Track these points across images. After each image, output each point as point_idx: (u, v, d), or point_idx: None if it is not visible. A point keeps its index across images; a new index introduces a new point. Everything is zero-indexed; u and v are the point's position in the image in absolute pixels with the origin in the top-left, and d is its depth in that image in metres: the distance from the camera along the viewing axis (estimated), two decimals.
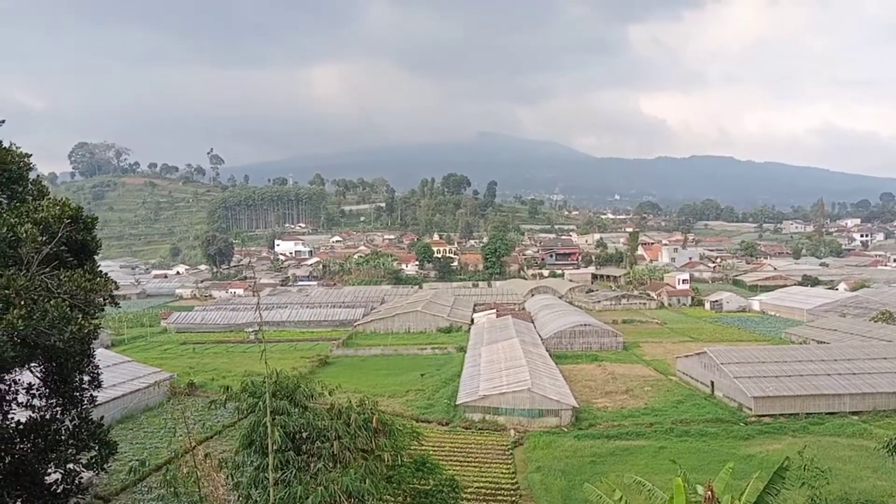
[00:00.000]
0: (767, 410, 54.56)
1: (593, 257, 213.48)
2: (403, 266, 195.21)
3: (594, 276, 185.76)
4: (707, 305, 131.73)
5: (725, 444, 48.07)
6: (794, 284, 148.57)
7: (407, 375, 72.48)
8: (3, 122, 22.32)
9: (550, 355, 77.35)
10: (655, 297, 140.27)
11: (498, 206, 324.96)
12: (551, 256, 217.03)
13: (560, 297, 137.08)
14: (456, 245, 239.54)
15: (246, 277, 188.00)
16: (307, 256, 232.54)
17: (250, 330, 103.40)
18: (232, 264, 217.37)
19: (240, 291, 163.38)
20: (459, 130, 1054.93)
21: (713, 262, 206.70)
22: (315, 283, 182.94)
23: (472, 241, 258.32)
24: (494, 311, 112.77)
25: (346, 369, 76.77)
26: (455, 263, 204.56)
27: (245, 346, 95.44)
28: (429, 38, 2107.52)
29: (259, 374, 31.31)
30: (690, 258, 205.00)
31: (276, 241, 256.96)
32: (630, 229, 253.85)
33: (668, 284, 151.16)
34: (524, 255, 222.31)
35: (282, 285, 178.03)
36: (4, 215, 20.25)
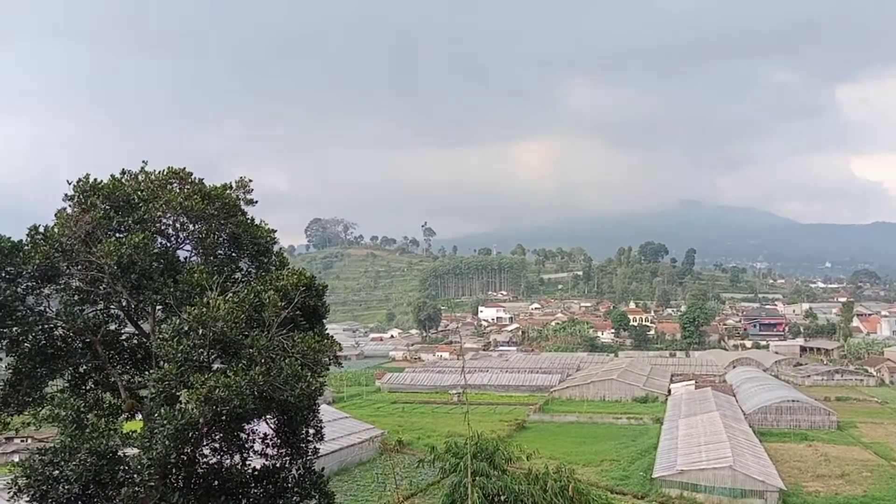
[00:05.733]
0: None
1: (801, 328, 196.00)
2: (599, 334, 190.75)
3: (802, 349, 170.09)
4: None
5: None
6: None
7: (602, 444, 70.03)
8: (257, 202, 24.77)
9: (753, 432, 71.45)
10: (874, 374, 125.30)
11: (697, 274, 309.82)
12: (754, 326, 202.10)
13: (764, 370, 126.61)
14: (652, 313, 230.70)
15: (452, 342, 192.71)
16: (507, 323, 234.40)
17: (454, 392, 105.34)
18: (439, 329, 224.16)
19: (445, 355, 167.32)
20: (657, 200, 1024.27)
21: None
22: (514, 348, 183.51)
23: (669, 310, 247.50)
24: (693, 382, 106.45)
25: (541, 435, 75.66)
26: (651, 332, 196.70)
27: (448, 407, 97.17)
28: (629, 113, 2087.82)
29: (461, 436, 31.84)
30: None
31: (480, 308, 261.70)
32: (843, 299, 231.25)
33: (889, 360, 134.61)
34: (725, 324, 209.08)
35: (483, 350, 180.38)
36: (252, 283, 22.56)
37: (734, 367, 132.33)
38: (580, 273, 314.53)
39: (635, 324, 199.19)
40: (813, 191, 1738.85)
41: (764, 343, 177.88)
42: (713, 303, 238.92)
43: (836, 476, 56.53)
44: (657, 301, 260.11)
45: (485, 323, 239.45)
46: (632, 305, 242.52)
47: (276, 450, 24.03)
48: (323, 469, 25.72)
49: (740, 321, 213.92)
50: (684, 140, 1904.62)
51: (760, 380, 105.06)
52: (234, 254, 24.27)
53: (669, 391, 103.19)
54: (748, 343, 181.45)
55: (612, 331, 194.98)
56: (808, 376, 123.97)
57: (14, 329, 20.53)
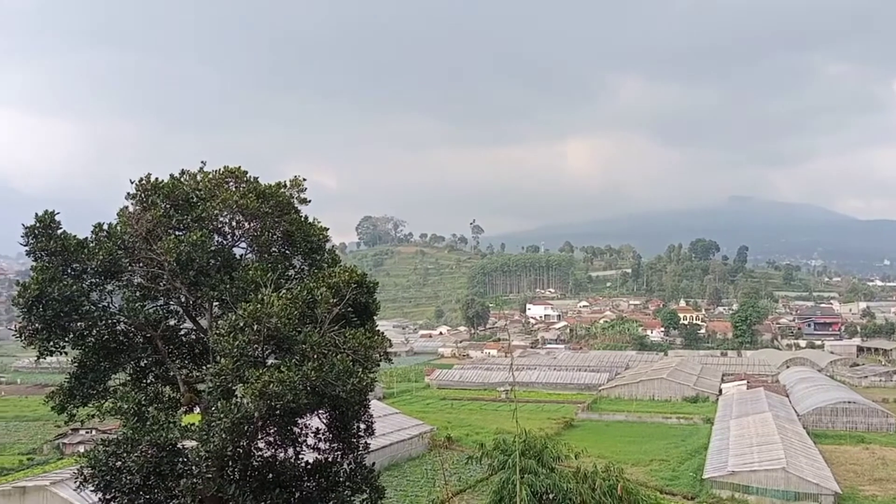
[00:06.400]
0: None
1: (858, 328, 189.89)
2: (648, 332, 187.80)
3: (859, 349, 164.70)
4: None
5: None
6: None
7: (651, 444, 69.01)
8: (310, 201, 24.98)
9: (808, 433, 69.50)
10: None
11: (749, 272, 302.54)
12: (809, 326, 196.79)
13: (819, 371, 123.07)
14: (703, 312, 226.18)
15: (500, 339, 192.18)
16: (555, 320, 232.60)
17: (502, 389, 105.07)
18: (487, 326, 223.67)
19: (493, 352, 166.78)
20: (708, 196, 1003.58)
21: None
22: (562, 346, 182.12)
23: (720, 308, 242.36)
24: (744, 382, 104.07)
25: (590, 433, 74.92)
26: (702, 331, 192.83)
27: (496, 404, 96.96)
28: (678, 109, 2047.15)
29: (509, 433, 31.64)
30: None
31: (528, 306, 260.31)
32: None
33: None
34: (778, 323, 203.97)
35: (531, 347, 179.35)
36: (305, 280, 22.78)
37: (788, 367, 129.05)
38: (629, 271, 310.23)
39: (686, 322, 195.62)
40: (873, 186, 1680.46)
41: (819, 343, 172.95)
42: (766, 301, 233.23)
43: (895, 480, 54.64)
44: (708, 299, 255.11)
45: (532, 321, 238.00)
46: (682, 304, 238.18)
47: (328, 444, 24.20)
48: (373, 464, 25.80)
49: (794, 320, 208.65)
50: (735, 136, 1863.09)
51: (815, 380, 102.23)
52: (287, 251, 24.54)
53: (720, 391, 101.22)
54: (802, 343, 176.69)
55: (662, 329, 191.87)
56: (865, 377, 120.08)
57: (79, 323, 21.19)
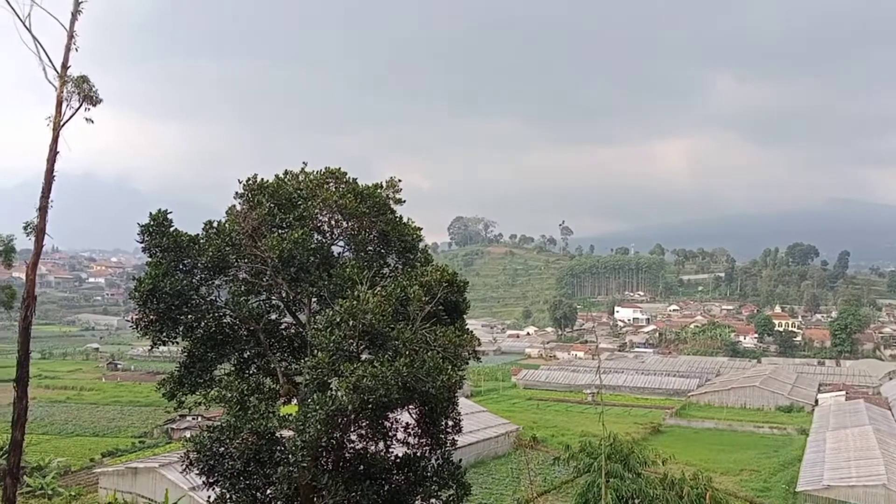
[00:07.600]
0: None
1: None
2: (741, 338, 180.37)
3: None
4: None
5: None
6: None
7: (741, 453, 66.28)
8: (405, 201, 25.24)
9: None
10: None
11: (850, 278, 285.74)
12: None
13: None
14: (800, 319, 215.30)
15: (587, 341, 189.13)
16: (644, 324, 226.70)
17: (588, 391, 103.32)
18: (575, 328, 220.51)
19: (580, 354, 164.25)
20: (806, 198, 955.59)
21: None
22: (651, 350, 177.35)
23: (818, 316, 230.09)
24: (843, 392, 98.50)
25: (677, 440, 72.62)
26: (798, 338, 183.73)
27: (582, 406, 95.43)
28: (773, 108, 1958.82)
29: (595, 436, 31.09)
30: None
31: (616, 308, 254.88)
32: None
33: None
34: (881, 332, 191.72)
35: (619, 351, 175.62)
36: (399, 278, 23.08)
37: (891, 378, 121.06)
38: (722, 275, 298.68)
39: (781, 329, 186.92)
40: None
41: None
42: (868, 309, 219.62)
43: None
44: (805, 306, 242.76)
45: (621, 323, 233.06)
46: (777, 310, 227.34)
47: (416, 439, 24.34)
48: (460, 460, 25.78)
49: None
50: (835, 134, 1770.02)
51: None
52: (382, 250, 24.90)
53: (816, 401, 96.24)
54: None
55: (756, 336, 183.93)
56: None
57: (189, 316, 22.23)
